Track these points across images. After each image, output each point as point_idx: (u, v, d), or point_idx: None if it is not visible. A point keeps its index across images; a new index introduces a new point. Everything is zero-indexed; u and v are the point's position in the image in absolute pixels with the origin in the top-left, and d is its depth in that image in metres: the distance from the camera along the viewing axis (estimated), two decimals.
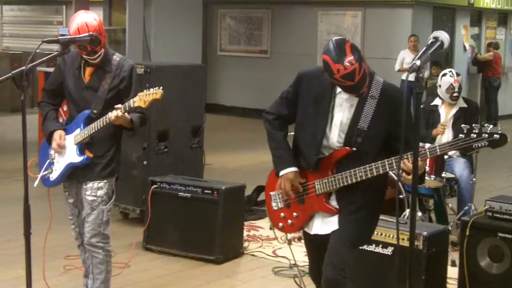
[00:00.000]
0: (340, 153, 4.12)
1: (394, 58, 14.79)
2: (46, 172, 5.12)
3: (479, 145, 3.76)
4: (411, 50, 14.73)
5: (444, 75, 7.49)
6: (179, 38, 14.64)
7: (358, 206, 4.15)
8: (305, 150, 4.24)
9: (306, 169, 4.24)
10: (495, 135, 3.74)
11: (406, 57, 14.73)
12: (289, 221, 4.38)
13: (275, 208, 4.44)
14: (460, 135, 3.80)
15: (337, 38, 4.01)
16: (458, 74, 7.46)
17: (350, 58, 3.88)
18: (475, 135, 3.76)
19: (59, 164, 5.06)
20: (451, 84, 7.37)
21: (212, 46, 18.70)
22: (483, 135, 3.75)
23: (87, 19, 4.82)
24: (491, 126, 3.77)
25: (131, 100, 4.71)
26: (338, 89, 4.12)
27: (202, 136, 8.28)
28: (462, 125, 3.84)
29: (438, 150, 3.90)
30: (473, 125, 3.78)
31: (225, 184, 6.76)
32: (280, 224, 4.44)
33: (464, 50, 17.99)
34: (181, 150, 7.95)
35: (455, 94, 7.36)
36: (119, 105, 4.75)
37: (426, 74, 14.34)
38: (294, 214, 4.34)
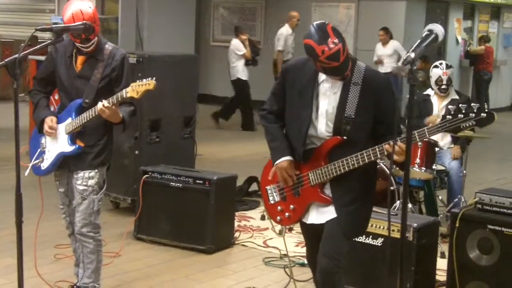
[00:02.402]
0: (331, 143, 4.15)
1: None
2: (37, 161, 5.11)
3: (467, 124, 3.77)
4: (382, 43, 14.84)
5: (436, 66, 7.53)
6: (172, 27, 14.61)
7: (353, 197, 4.18)
8: (294, 143, 4.27)
9: (298, 161, 4.26)
10: (482, 114, 3.73)
11: (377, 50, 14.86)
12: (287, 214, 4.40)
13: (272, 202, 4.46)
14: (448, 116, 3.81)
15: (317, 22, 4.04)
16: (449, 67, 7.48)
17: (334, 39, 3.92)
18: (462, 115, 3.77)
19: (50, 153, 5.05)
20: (440, 76, 7.42)
21: (205, 36, 18.65)
22: (470, 114, 3.75)
23: (82, 7, 4.81)
24: (478, 105, 3.78)
25: (124, 90, 4.68)
26: (321, 78, 4.15)
27: (194, 126, 8.28)
28: (449, 106, 3.84)
29: (427, 132, 3.90)
30: (460, 105, 3.79)
31: (216, 174, 6.77)
32: (278, 217, 4.46)
33: (456, 43, 18.02)
34: (173, 140, 7.95)
35: (443, 87, 7.41)
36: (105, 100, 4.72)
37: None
38: (291, 206, 4.36)
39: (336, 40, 3.92)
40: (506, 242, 4.94)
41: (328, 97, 4.16)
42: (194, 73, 8.34)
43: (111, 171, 5.26)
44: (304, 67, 4.20)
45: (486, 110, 3.74)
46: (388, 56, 14.76)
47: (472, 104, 3.78)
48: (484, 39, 17.80)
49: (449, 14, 17.60)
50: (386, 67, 14.60)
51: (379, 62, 14.73)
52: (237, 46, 14.41)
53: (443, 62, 7.67)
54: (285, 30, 14.64)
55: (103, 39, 5.04)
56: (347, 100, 4.10)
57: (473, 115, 3.75)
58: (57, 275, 5.75)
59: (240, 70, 14.29)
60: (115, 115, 4.77)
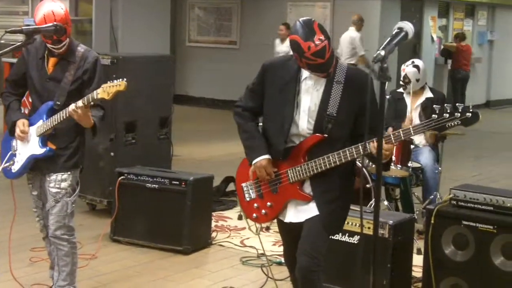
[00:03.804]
0: (311, 140, 4.15)
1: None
2: (7, 164, 5.06)
3: (452, 124, 3.82)
4: (281, 39, 14.85)
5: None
6: (147, 28, 14.54)
7: (334, 195, 4.20)
8: (274, 140, 4.26)
9: (277, 159, 4.26)
10: (467, 113, 3.79)
11: (276, 46, 14.86)
12: (263, 211, 4.39)
13: (248, 199, 4.45)
14: (433, 115, 3.84)
15: (304, 18, 4.09)
16: (413, 65, 7.47)
17: (320, 36, 3.96)
18: (447, 115, 3.81)
19: (21, 156, 5.01)
20: (401, 71, 7.51)
21: (181, 37, 18.62)
22: (456, 114, 3.79)
23: (53, 8, 4.78)
24: (463, 105, 3.82)
25: (95, 92, 4.64)
26: (304, 75, 4.16)
27: (170, 127, 8.26)
28: (434, 106, 3.88)
29: (412, 131, 3.93)
30: (445, 105, 3.83)
31: (193, 175, 6.76)
32: (254, 214, 4.45)
33: (432, 41, 18.11)
34: (148, 141, 7.92)
35: (400, 83, 7.47)
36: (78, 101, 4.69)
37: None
38: (268, 203, 4.36)
39: (322, 37, 3.97)
40: (480, 237, 4.97)
41: (310, 94, 4.16)
42: (170, 74, 8.32)
43: (87, 173, 5.23)
44: (284, 65, 4.22)
45: (471, 110, 3.78)
46: (285, 53, 14.63)
47: (457, 104, 3.82)
48: (460, 37, 17.87)
49: (424, 12, 17.69)
50: None
51: None
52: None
53: (414, 60, 7.70)
54: (354, 33, 14.39)
55: (75, 41, 5.02)
56: (329, 98, 4.12)
57: (459, 114, 3.79)
58: (33, 278, 5.72)
59: None
60: (86, 118, 4.74)
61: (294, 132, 4.20)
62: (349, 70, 4.16)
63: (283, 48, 14.72)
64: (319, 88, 4.15)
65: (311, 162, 4.15)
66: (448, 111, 3.81)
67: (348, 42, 14.32)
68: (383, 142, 3.85)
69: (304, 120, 4.17)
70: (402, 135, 3.95)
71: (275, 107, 4.24)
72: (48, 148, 4.90)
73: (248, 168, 4.36)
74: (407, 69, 7.44)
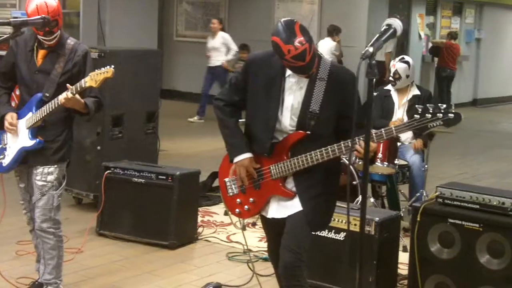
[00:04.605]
0: (294, 137, 4.15)
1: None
2: None
3: (434, 124, 3.82)
4: (212, 34, 14.81)
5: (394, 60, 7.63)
6: (134, 22, 14.50)
7: (317, 191, 4.20)
8: (259, 136, 4.25)
9: (260, 155, 4.26)
10: (449, 114, 3.80)
11: (208, 42, 14.83)
12: (246, 206, 4.39)
13: (231, 194, 4.44)
14: (415, 115, 3.85)
15: (286, 19, 4.04)
16: (403, 61, 7.49)
17: (300, 38, 3.92)
18: (429, 115, 3.81)
19: (11, 149, 5.00)
20: (391, 67, 7.52)
21: (168, 32, 18.57)
22: (438, 114, 3.80)
23: (47, 0, 4.77)
24: (444, 105, 3.82)
25: (82, 80, 4.66)
26: (288, 72, 4.15)
27: (157, 122, 8.25)
28: (416, 105, 3.89)
29: (394, 131, 3.94)
30: (427, 105, 3.83)
31: (179, 169, 6.75)
32: (237, 210, 4.45)
33: (419, 38, 18.15)
34: (135, 135, 7.90)
35: (390, 78, 7.47)
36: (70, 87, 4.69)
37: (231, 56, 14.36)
38: (251, 199, 4.36)
39: (302, 40, 3.92)
40: (466, 235, 4.99)
41: (294, 91, 4.16)
42: (157, 68, 8.30)
43: (73, 166, 5.22)
44: (270, 60, 4.17)
45: (453, 110, 3.79)
46: (215, 49, 14.58)
47: (439, 104, 3.82)
48: (452, 36, 17.92)
49: (411, 10, 17.72)
50: (215, 61, 14.53)
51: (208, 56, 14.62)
52: (333, 46, 14.21)
53: (404, 56, 7.73)
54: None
55: (65, 34, 5.02)
56: (312, 95, 4.11)
57: (441, 115, 3.80)
58: (19, 271, 5.70)
59: None
60: (78, 103, 4.75)
61: (277, 129, 4.20)
62: (332, 67, 4.15)
63: (214, 43, 14.63)
64: (302, 86, 4.15)
65: (294, 159, 4.15)
66: (431, 111, 3.81)
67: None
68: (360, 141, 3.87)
69: (287, 117, 4.16)
70: (384, 134, 3.96)
71: (259, 104, 4.23)
72: (38, 140, 4.89)
73: (231, 164, 4.36)
74: (398, 64, 7.45)
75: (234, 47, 14.46)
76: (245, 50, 14.50)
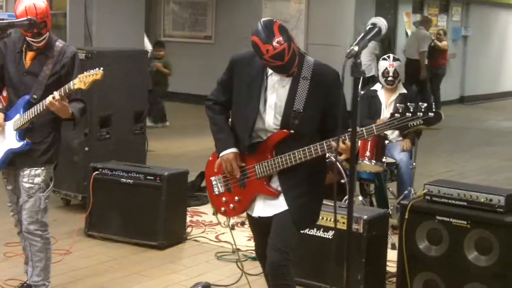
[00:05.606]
0: (278, 136, 4.17)
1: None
2: None
3: (415, 123, 3.84)
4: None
5: (384, 59, 7.60)
6: (121, 22, 14.41)
7: (304, 189, 4.21)
8: (240, 135, 4.29)
9: (244, 153, 4.27)
10: (429, 113, 3.82)
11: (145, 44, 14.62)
12: (231, 205, 4.41)
13: (217, 193, 4.46)
14: (396, 114, 3.87)
15: (265, 19, 4.07)
16: (396, 59, 7.53)
17: (278, 38, 3.95)
18: (410, 114, 3.83)
19: None
20: (386, 68, 7.48)
21: (155, 32, 18.54)
22: (418, 113, 3.82)
23: (35, 1, 4.78)
24: (425, 104, 3.84)
25: (71, 82, 4.65)
26: (270, 71, 4.16)
27: (144, 122, 8.24)
28: (397, 104, 3.92)
29: (375, 130, 3.96)
30: (408, 104, 3.85)
31: (168, 170, 6.75)
32: (223, 208, 4.47)
33: (406, 37, 18.17)
34: (123, 136, 7.89)
35: (389, 79, 7.46)
36: (56, 92, 4.68)
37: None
38: (236, 198, 4.38)
39: (281, 39, 3.94)
40: (454, 232, 5.00)
41: (276, 90, 4.17)
42: (144, 68, 8.29)
43: (62, 168, 5.20)
44: (253, 59, 4.20)
45: (434, 110, 3.81)
46: (150, 51, 14.20)
47: (420, 103, 3.84)
48: (445, 33, 17.94)
49: (398, 8, 17.75)
50: None
51: None
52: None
53: (391, 55, 7.74)
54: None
55: (54, 36, 5.03)
56: (296, 94, 4.12)
57: (421, 114, 3.82)
58: (7, 273, 5.69)
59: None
60: (64, 109, 4.73)
61: (261, 127, 4.22)
62: (315, 66, 4.16)
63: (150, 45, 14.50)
64: (285, 85, 4.16)
65: (278, 158, 4.16)
66: (411, 110, 3.84)
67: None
68: (347, 139, 3.88)
69: (271, 116, 4.18)
70: (365, 133, 3.97)
71: (241, 103, 4.26)
72: (25, 142, 4.88)
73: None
74: (395, 63, 7.47)
75: (149, 46, 14.34)
76: (161, 48, 14.45)
